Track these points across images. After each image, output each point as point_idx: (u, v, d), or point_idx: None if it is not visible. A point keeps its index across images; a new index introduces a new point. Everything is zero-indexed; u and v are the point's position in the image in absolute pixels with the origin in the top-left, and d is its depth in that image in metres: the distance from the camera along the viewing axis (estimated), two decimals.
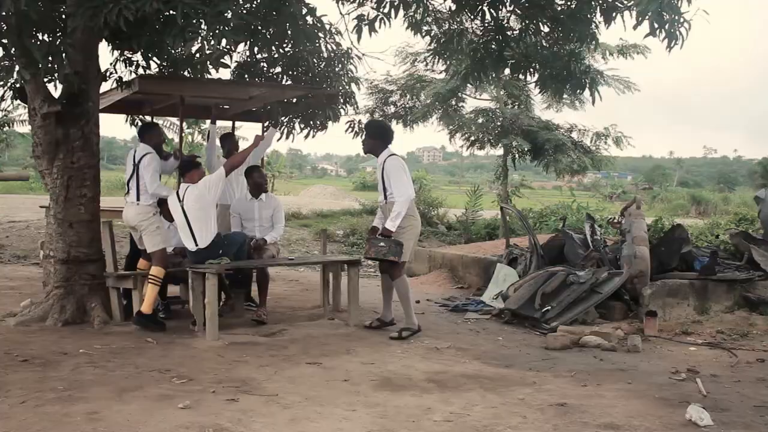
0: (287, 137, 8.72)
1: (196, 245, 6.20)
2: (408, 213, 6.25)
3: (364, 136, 6.67)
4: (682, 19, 5.87)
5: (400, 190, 6.18)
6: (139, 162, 6.30)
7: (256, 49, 7.74)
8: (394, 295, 6.47)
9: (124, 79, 6.99)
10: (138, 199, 6.30)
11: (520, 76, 9.39)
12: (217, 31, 5.71)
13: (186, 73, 7.31)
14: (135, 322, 6.20)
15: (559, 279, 7.18)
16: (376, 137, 6.46)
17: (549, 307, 6.93)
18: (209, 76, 7.37)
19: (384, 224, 6.23)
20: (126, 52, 6.85)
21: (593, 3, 7.24)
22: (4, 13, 5.53)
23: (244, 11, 6.49)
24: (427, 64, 10.33)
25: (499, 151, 17.26)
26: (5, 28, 5.73)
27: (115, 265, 6.54)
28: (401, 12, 7.21)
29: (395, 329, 6.31)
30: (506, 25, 8.15)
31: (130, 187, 6.37)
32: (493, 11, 7.78)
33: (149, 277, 6.22)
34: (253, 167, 7.33)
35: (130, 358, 5.28)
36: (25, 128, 20.09)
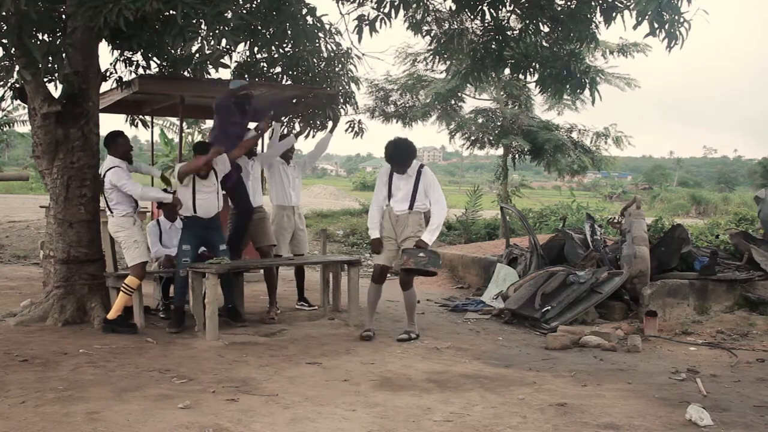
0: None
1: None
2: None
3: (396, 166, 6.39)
4: (682, 19, 5.88)
5: (441, 203, 6.15)
6: (103, 176, 6.16)
7: (256, 49, 7.74)
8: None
9: (124, 79, 7.01)
10: (111, 212, 6.19)
11: (520, 76, 9.39)
12: (217, 31, 5.72)
13: (186, 73, 7.31)
14: (102, 329, 6.13)
15: (559, 279, 7.19)
16: (403, 161, 6.15)
17: (549, 307, 6.93)
18: (209, 76, 7.37)
19: (421, 237, 6.08)
20: (126, 52, 6.85)
21: (593, 3, 7.25)
22: (4, 13, 5.52)
23: (244, 11, 6.49)
24: (427, 64, 10.33)
25: (499, 151, 17.24)
26: (5, 28, 5.73)
27: (115, 265, 6.54)
28: (401, 12, 7.22)
29: (404, 332, 6.30)
30: (506, 25, 8.16)
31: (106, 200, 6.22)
32: (493, 11, 7.79)
33: (123, 284, 6.16)
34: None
35: (130, 358, 5.28)
36: (25, 128, 20.15)
